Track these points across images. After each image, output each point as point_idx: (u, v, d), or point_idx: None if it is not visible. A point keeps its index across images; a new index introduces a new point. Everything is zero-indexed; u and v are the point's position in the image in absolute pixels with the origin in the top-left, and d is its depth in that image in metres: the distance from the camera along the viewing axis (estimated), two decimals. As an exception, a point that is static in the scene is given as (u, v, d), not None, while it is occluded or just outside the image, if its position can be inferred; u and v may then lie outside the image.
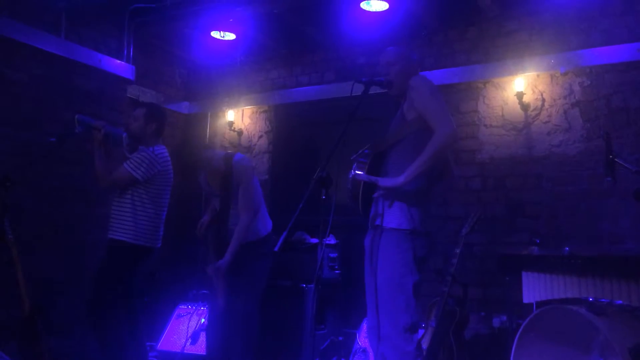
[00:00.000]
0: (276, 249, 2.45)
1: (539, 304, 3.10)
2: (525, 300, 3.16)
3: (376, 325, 2.61)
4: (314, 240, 4.45)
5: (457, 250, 3.72)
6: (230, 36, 5.04)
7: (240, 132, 5.75)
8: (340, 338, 4.33)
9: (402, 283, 2.55)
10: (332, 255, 4.47)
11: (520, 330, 3.04)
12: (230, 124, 5.71)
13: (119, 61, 5.00)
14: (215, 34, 5.03)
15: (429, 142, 2.52)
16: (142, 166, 3.43)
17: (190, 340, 4.35)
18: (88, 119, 3.57)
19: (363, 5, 4.38)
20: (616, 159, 2.73)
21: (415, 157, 2.54)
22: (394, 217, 2.59)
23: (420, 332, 3.54)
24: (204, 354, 4.19)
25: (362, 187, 2.62)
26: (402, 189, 2.55)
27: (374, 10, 4.44)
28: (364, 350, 4.01)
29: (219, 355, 3.51)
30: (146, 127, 3.57)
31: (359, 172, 2.64)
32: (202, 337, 4.29)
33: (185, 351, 4.29)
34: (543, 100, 4.32)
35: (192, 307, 4.58)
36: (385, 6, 4.38)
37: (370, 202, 2.70)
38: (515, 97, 4.35)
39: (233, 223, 3.51)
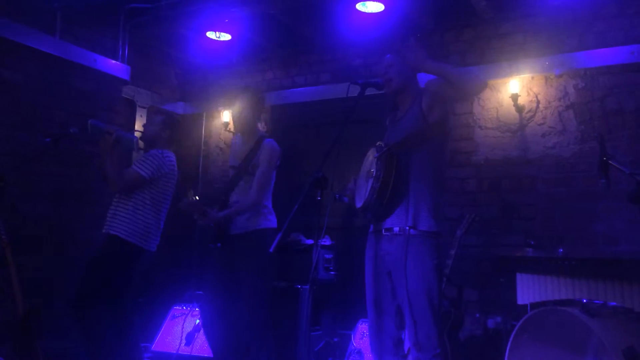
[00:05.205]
0: (271, 249, 2.45)
1: (533, 306, 3.11)
2: (520, 301, 3.16)
3: (396, 335, 2.63)
4: (309, 242, 4.45)
5: (452, 252, 3.73)
6: (225, 37, 5.04)
7: (235, 133, 5.73)
8: (336, 339, 4.33)
9: (440, 287, 2.59)
10: (327, 256, 4.48)
11: (514, 331, 3.05)
12: (226, 124, 5.69)
13: (114, 61, 4.98)
14: (210, 35, 5.02)
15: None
16: (148, 164, 3.51)
17: (184, 341, 4.34)
18: (101, 124, 3.55)
19: (359, 6, 4.38)
20: (610, 161, 2.73)
21: (438, 167, 2.66)
22: (427, 220, 2.59)
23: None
24: (198, 355, 4.19)
25: (393, 177, 2.55)
26: (434, 193, 2.61)
27: (370, 11, 4.43)
28: (359, 352, 4.01)
29: (227, 354, 3.51)
30: (160, 132, 3.69)
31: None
32: (197, 339, 4.29)
33: (179, 352, 4.28)
34: (538, 102, 4.33)
35: (187, 308, 4.57)
36: (381, 7, 4.38)
37: (393, 197, 2.57)
38: (510, 99, 4.36)
39: (235, 199, 3.56)
